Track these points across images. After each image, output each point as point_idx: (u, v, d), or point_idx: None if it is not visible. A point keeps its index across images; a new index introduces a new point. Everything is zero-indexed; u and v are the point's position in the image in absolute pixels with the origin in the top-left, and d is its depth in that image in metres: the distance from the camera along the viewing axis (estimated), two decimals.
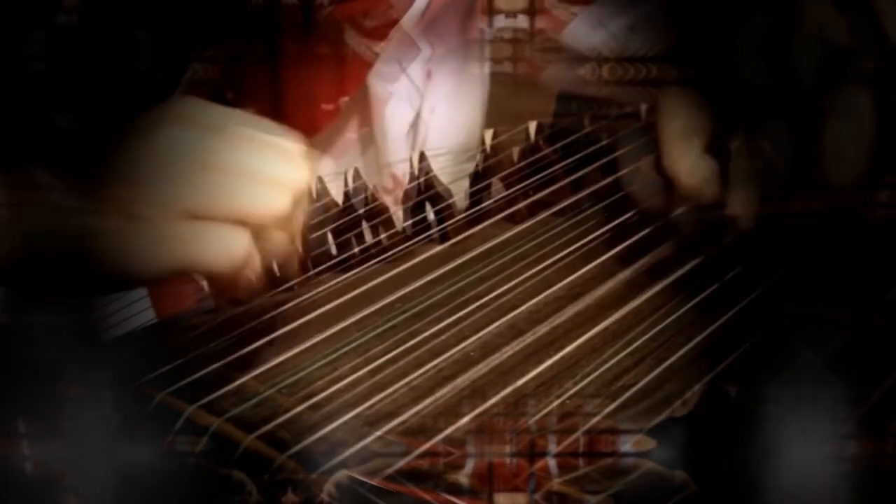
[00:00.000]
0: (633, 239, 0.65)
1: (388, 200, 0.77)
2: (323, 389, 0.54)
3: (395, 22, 0.76)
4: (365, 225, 0.70)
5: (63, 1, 0.65)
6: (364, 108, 0.79)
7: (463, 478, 0.49)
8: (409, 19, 0.76)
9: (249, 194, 0.51)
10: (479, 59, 0.77)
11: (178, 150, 0.51)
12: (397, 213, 0.73)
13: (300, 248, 0.57)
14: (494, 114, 0.80)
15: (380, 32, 0.76)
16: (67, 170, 0.51)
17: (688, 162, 0.60)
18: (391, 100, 0.78)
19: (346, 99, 0.77)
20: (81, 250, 0.49)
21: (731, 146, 0.60)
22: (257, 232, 0.51)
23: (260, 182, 0.51)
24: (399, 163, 0.78)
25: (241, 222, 0.51)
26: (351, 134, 0.81)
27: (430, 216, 0.73)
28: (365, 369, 0.55)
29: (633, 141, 0.69)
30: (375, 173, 0.79)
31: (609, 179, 0.70)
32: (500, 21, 0.74)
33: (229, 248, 0.50)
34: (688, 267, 0.62)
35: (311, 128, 0.78)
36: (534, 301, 0.61)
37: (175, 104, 0.53)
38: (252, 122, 0.53)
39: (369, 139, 0.80)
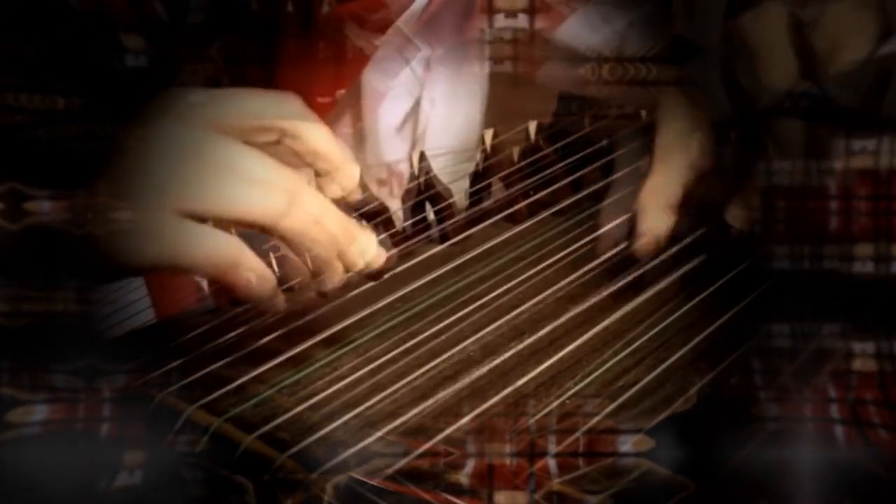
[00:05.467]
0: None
1: (382, 193, 0.77)
2: (323, 389, 0.54)
3: (391, 22, 0.76)
4: (365, 225, 0.70)
5: None
6: (359, 104, 0.79)
7: (463, 478, 0.49)
8: (406, 20, 0.76)
9: (243, 195, 0.50)
10: (478, 58, 0.77)
11: (174, 146, 0.50)
12: (395, 209, 0.73)
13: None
14: (495, 114, 0.80)
15: (381, 26, 0.75)
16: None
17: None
18: (388, 94, 0.78)
19: (342, 91, 0.77)
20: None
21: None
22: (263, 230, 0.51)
23: (254, 183, 0.50)
24: (394, 156, 0.78)
25: (235, 223, 0.50)
26: (346, 129, 0.81)
27: (430, 216, 0.73)
28: (365, 369, 0.55)
29: (632, 141, 0.69)
30: (370, 168, 0.79)
31: (608, 180, 0.70)
32: (500, 20, 0.74)
33: (216, 250, 0.50)
34: (688, 267, 0.62)
35: None
36: (534, 301, 0.61)
37: (176, 98, 0.52)
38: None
39: (364, 134, 0.80)
